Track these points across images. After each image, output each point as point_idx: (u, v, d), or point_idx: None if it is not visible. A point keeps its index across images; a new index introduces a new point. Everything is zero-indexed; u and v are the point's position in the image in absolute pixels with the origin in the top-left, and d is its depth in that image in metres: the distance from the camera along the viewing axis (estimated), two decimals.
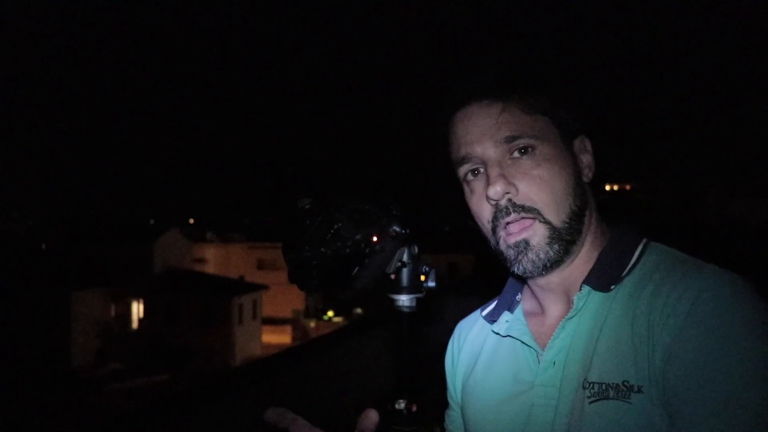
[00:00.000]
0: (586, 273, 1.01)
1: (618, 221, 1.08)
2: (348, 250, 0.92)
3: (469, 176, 1.03)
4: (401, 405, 1.00)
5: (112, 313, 30.35)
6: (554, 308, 1.05)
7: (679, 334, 0.83)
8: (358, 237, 0.92)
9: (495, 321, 1.12)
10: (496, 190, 0.97)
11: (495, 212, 0.99)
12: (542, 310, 1.07)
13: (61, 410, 19.16)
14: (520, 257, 0.99)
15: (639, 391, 0.85)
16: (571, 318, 0.98)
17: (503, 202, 0.98)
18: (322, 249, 0.92)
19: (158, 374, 24.10)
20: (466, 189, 1.05)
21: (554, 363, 0.97)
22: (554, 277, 1.02)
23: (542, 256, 0.97)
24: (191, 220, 48.87)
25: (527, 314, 1.09)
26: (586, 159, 1.05)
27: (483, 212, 1.02)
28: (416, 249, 0.99)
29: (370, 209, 0.95)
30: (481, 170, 1.01)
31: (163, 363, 25.54)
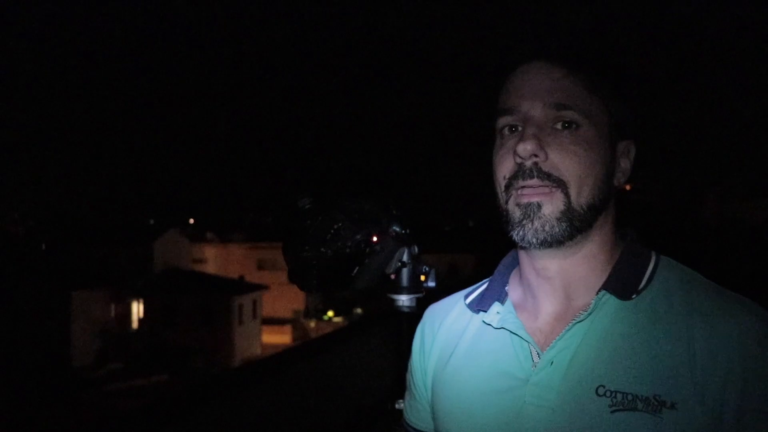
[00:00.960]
0: (588, 273, 0.98)
1: (624, 228, 1.04)
2: (348, 250, 0.92)
3: (506, 131, 0.99)
4: (401, 405, 1.00)
5: (112, 313, 30.34)
6: (548, 303, 1.01)
7: (744, 377, 0.84)
8: (358, 237, 0.92)
9: (483, 310, 1.07)
10: (526, 147, 0.92)
11: (516, 171, 0.95)
12: (533, 303, 1.03)
13: (61, 410, 19.16)
14: (524, 222, 0.94)
15: (672, 407, 0.84)
16: (582, 320, 0.94)
17: (528, 163, 0.93)
18: (322, 249, 0.92)
19: (158, 374, 24.10)
20: (497, 141, 1.00)
21: (552, 363, 0.94)
22: (553, 264, 0.99)
23: (547, 228, 0.93)
24: (191, 220, 48.85)
25: (517, 307, 1.05)
26: (624, 164, 1.00)
27: (504, 166, 0.97)
28: (416, 249, 0.99)
29: (370, 209, 0.95)
30: (520, 128, 0.96)
31: (163, 363, 25.52)
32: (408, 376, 1.21)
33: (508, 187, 0.96)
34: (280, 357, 4.29)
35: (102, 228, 35.64)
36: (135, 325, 31.35)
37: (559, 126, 0.94)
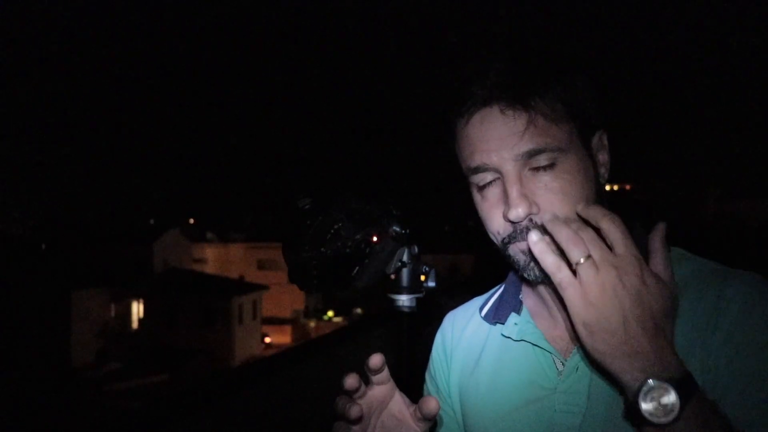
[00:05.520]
0: None
1: (626, 221, 1.05)
2: (348, 250, 0.92)
3: (482, 183, 0.96)
4: None
5: (112, 313, 30.34)
6: (564, 307, 1.02)
7: (731, 338, 0.84)
8: (358, 237, 0.92)
9: (500, 323, 1.08)
10: (518, 213, 0.90)
11: (512, 231, 0.93)
12: (549, 310, 1.04)
13: (61, 410, 19.16)
14: (533, 264, 0.93)
15: None
16: None
17: (523, 224, 0.91)
18: (322, 249, 0.92)
19: (158, 374, 24.08)
20: (476, 195, 0.98)
21: (577, 369, 0.95)
22: None
23: None
24: (191, 220, 48.83)
25: (533, 314, 1.05)
26: (602, 157, 0.99)
27: (496, 225, 0.95)
28: (416, 249, 0.99)
29: (370, 209, 0.95)
30: (497, 179, 0.94)
31: (163, 363, 25.51)
32: (426, 381, 1.22)
33: (505, 243, 0.95)
34: (280, 357, 4.29)
35: (102, 228, 35.61)
36: (135, 325, 31.33)
37: (536, 168, 0.91)
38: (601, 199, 0.96)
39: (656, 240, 0.81)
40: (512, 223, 0.92)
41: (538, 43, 0.99)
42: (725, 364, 0.83)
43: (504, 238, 0.95)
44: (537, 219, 0.91)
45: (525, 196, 0.91)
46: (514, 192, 0.91)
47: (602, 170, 0.99)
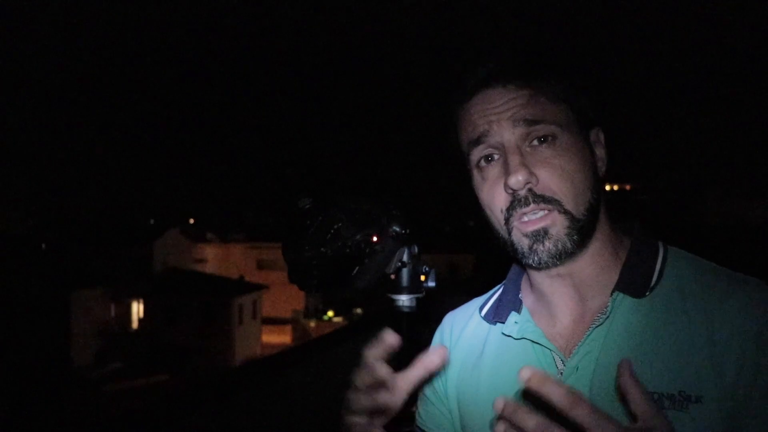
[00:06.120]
0: (597, 271, 0.99)
1: (626, 220, 1.05)
2: (348, 250, 0.92)
3: (482, 162, 0.97)
4: None
5: (112, 313, 30.34)
6: (564, 305, 1.01)
7: (756, 355, 0.85)
8: (358, 237, 0.92)
9: (501, 322, 1.07)
10: (518, 179, 0.91)
11: (512, 201, 0.94)
12: (549, 307, 1.04)
13: (61, 410, 19.17)
14: (536, 247, 0.94)
15: (698, 401, 0.85)
16: (601, 324, 0.95)
17: (523, 192, 0.93)
18: (322, 249, 0.92)
19: (158, 374, 24.12)
20: (477, 176, 0.99)
21: (577, 369, 0.95)
22: (563, 269, 0.98)
23: (560, 246, 0.94)
24: (191, 220, 48.86)
25: (533, 313, 1.05)
26: (599, 152, 1.01)
27: (497, 200, 0.96)
28: (416, 249, 0.99)
29: (370, 209, 0.95)
30: (496, 156, 0.96)
31: (163, 363, 25.55)
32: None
33: (507, 219, 0.96)
34: (280, 357, 4.29)
35: (102, 228, 35.60)
36: (135, 325, 31.35)
37: (536, 142, 0.94)
38: (598, 192, 0.97)
39: (626, 379, 0.73)
40: (512, 192, 0.94)
41: (537, 41, 1.03)
42: (745, 405, 0.84)
43: (505, 213, 0.96)
44: (536, 189, 0.93)
45: (525, 165, 0.93)
46: (514, 160, 0.93)
47: (600, 164, 1.00)
